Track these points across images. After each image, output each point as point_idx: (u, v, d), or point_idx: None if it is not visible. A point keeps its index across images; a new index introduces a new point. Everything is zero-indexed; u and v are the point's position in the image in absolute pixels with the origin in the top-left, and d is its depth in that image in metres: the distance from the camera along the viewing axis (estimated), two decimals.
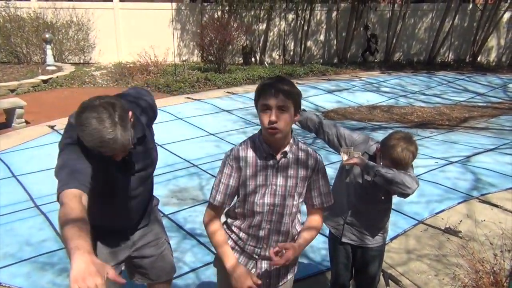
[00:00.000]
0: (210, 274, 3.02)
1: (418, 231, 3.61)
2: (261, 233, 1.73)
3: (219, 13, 11.24)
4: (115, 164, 1.68)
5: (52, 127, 6.07)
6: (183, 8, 11.61)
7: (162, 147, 5.35)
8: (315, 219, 1.80)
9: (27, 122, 6.38)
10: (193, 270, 3.08)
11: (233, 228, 1.79)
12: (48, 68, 9.27)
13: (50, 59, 9.44)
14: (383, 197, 2.25)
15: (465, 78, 10.59)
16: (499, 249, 3.21)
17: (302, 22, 12.06)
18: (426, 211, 3.89)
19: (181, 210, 3.97)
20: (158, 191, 4.09)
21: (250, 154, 1.69)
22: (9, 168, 4.83)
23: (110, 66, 10.31)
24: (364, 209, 2.28)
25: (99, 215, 1.60)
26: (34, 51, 10.08)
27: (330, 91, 8.79)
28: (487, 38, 12.23)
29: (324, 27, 12.58)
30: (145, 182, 1.93)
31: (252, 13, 11.50)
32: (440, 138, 6.16)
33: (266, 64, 11.48)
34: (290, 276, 1.89)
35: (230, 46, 10.25)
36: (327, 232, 2.51)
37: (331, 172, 4.09)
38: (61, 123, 6.04)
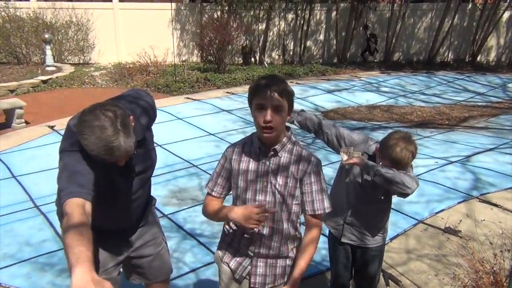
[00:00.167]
0: (210, 274, 3.02)
1: (418, 231, 3.61)
2: (255, 230, 1.73)
3: (219, 13, 11.23)
4: (117, 169, 1.68)
5: (51, 127, 6.06)
6: (182, 8, 11.60)
7: (161, 147, 5.35)
8: (309, 236, 1.72)
9: (26, 122, 6.38)
10: (193, 270, 3.08)
11: (231, 224, 1.82)
12: (47, 68, 9.27)
13: (49, 59, 9.43)
14: (382, 197, 2.25)
15: (464, 78, 10.60)
16: (499, 249, 3.21)
17: (302, 22, 12.05)
18: (426, 211, 3.89)
19: (181, 210, 3.97)
20: (158, 191, 4.10)
21: (245, 150, 1.75)
22: (8, 168, 4.83)
23: (110, 66, 10.30)
24: (363, 209, 2.28)
25: (100, 219, 1.60)
26: (34, 51, 10.07)
27: (329, 91, 8.79)
28: (486, 38, 12.24)
29: (324, 27, 12.58)
30: (145, 184, 1.94)
31: (252, 13, 11.50)
32: (440, 138, 6.16)
33: (266, 64, 11.48)
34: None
35: (230, 46, 10.25)
36: (327, 232, 2.51)
37: (331, 172, 4.08)
38: (61, 124, 6.04)
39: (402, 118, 7.37)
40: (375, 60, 12.62)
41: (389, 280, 2.97)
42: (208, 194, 1.83)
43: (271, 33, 12.14)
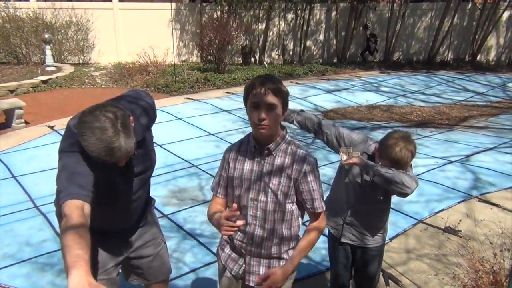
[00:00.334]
0: (210, 274, 3.02)
1: (418, 230, 3.61)
2: (248, 228, 1.75)
3: (219, 13, 11.24)
4: (117, 170, 1.68)
5: (51, 127, 6.06)
6: (182, 8, 11.60)
7: (161, 147, 5.36)
8: (314, 224, 1.77)
9: (26, 122, 6.38)
10: (193, 270, 3.08)
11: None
12: (47, 68, 9.26)
13: (49, 59, 9.42)
14: (382, 197, 2.25)
15: (464, 78, 10.60)
16: (499, 248, 3.21)
17: (302, 22, 12.05)
18: (425, 211, 3.89)
19: (181, 210, 3.97)
20: (158, 191, 4.10)
21: (241, 149, 1.79)
22: (8, 168, 4.83)
23: (110, 66, 10.30)
24: (363, 209, 2.28)
25: (100, 219, 1.60)
26: (34, 51, 10.07)
27: (329, 91, 8.79)
28: (486, 37, 12.24)
29: (324, 26, 12.58)
30: (145, 184, 1.95)
31: (252, 13, 11.50)
32: (440, 138, 6.16)
33: (266, 64, 11.48)
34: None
35: (230, 46, 10.25)
36: (327, 232, 2.51)
37: (331, 172, 4.07)
38: (61, 124, 6.04)
39: (402, 118, 7.37)
40: (375, 60, 12.62)
41: (389, 280, 2.97)
42: (214, 195, 1.88)
43: (271, 33, 12.14)
